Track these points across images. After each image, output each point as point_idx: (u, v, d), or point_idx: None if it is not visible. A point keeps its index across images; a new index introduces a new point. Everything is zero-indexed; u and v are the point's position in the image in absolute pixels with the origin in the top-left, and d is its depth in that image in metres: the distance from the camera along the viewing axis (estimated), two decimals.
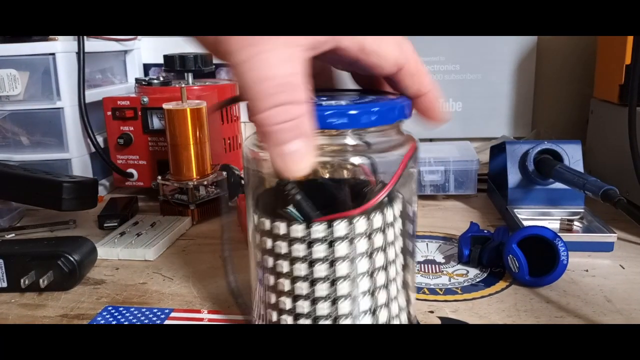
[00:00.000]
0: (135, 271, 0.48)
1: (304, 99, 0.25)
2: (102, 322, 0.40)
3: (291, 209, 0.28)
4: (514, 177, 0.58)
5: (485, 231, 0.49)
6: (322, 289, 0.29)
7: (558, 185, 0.55)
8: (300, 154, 0.26)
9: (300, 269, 0.29)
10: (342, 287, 0.29)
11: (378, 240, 0.30)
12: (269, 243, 0.30)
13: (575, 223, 0.54)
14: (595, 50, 0.75)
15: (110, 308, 0.42)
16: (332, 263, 0.29)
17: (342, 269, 0.29)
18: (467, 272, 0.46)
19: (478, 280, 0.44)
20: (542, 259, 0.42)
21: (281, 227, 0.29)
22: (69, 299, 0.43)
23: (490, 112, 0.88)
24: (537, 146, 0.57)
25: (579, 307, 0.40)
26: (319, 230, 0.28)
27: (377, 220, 0.30)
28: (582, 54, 0.86)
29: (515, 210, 0.56)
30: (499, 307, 0.40)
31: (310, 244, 0.29)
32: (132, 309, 0.41)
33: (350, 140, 0.29)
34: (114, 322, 0.39)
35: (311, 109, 0.26)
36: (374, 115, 0.28)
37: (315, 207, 0.29)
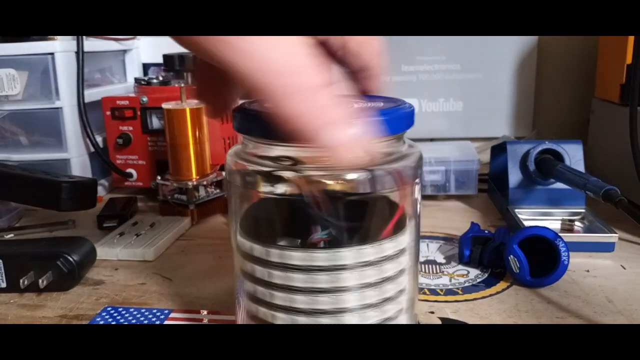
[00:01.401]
0: (135, 271, 0.48)
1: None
2: (102, 322, 0.39)
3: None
4: (514, 177, 0.57)
5: (486, 231, 0.49)
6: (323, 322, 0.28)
7: (559, 185, 0.55)
8: (344, 143, 0.23)
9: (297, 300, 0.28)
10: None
11: (388, 268, 0.28)
12: (257, 270, 0.29)
13: (576, 223, 0.54)
14: (596, 49, 0.75)
15: (109, 308, 0.41)
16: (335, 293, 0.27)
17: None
18: (468, 272, 0.46)
19: (479, 280, 0.44)
20: (543, 260, 0.42)
21: (274, 254, 0.28)
22: (68, 300, 0.43)
23: (491, 111, 0.88)
24: (538, 146, 0.57)
25: (580, 308, 0.40)
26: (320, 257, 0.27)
27: (389, 247, 0.28)
28: (583, 54, 0.86)
29: (516, 210, 0.56)
30: (499, 307, 0.40)
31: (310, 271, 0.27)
32: (132, 310, 0.41)
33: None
34: (113, 323, 0.39)
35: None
36: (382, 125, 0.26)
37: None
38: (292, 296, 0.28)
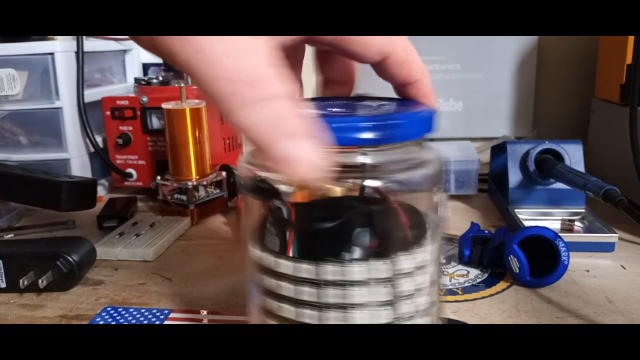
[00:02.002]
0: (135, 272, 0.48)
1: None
2: (101, 322, 0.39)
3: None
4: (514, 177, 0.57)
5: (486, 231, 0.49)
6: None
7: (559, 185, 0.55)
8: (302, 157, 0.21)
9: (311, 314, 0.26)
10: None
11: (405, 285, 0.26)
12: (272, 283, 0.27)
13: (576, 223, 0.54)
14: (596, 49, 0.75)
15: (109, 308, 0.41)
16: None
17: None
18: (468, 272, 0.46)
19: (479, 280, 0.44)
20: (543, 260, 0.42)
21: (288, 265, 0.26)
22: (68, 300, 0.43)
23: (491, 111, 0.88)
24: (538, 146, 0.57)
25: (580, 308, 0.40)
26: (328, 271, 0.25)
27: (406, 262, 0.26)
28: (583, 54, 0.86)
29: (516, 210, 0.56)
30: (499, 307, 0.40)
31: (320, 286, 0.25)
32: (131, 310, 0.41)
33: (362, 158, 0.25)
34: (113, 323, 0.39)
35: (294, 103, 0.22)
36: (392, 130, 0.24)
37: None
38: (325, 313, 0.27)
